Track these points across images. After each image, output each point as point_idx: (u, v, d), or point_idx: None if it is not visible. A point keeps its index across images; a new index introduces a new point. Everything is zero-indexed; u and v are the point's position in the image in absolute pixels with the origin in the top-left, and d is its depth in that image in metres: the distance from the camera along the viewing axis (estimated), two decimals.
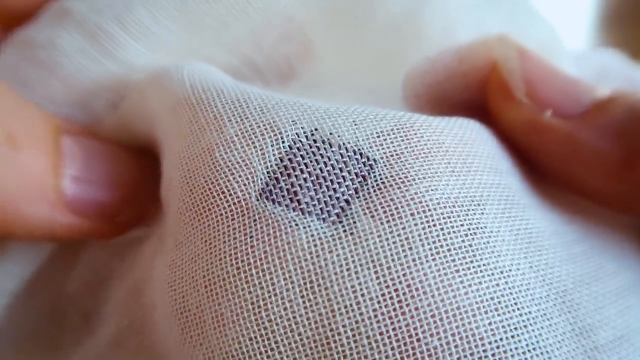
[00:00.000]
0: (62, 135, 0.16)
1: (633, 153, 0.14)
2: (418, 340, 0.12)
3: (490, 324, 0.13)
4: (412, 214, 0.14)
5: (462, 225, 0.14)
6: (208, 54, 0.18)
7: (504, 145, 0.16)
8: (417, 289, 0.13)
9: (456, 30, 0.18)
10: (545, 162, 0.16)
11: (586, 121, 0.14)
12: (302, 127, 0.14)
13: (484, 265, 0.13)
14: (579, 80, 0.15)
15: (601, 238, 0.16)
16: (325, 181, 0.14)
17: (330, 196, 0.14)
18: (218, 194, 0.14)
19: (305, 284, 0.13)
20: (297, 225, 0.13)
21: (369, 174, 0.14)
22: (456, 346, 0.12)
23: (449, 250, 0.13)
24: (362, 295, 0.13)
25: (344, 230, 0.13)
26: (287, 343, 0.13)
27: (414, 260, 0.13)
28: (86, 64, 0.17)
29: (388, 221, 0.13)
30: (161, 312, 0.15)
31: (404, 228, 0.13)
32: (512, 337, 0.13)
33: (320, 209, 0.14)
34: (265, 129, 0.14)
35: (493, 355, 0.12)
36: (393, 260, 0.13)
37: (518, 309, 0.13)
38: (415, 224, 0.13)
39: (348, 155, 0.14)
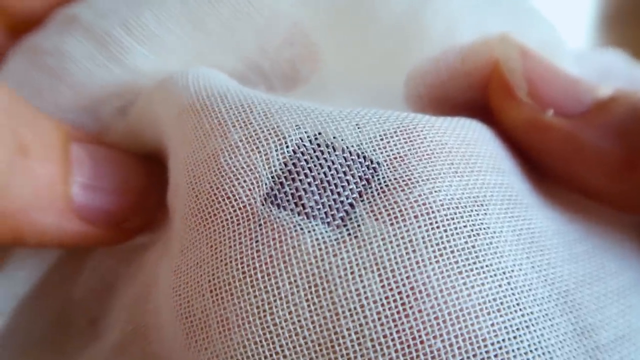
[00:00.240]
0: (71, 143, 0.17)
1: (634, 152, 0.14)
2: (421, 342, 0.13)
3: (492, 325, 0.13)
4: (415, 217, 0.14)
5: (465, 226, 0.14)
6: (213, 59, 0.18)
7: (506, 145, 0.16)
8: (420, 291, 0.13)
9: (458, 31, 0.18)
10: (546, 161, 0.16)
11: (588, 120, 0.14)
12: (305, 132, 0.15)
13: (486, 266, 0.13)
14: (580, 80, 0.15)
15: (603, 237, 0.16)
16: (330, 185, 0.14)
17: (334, 200, 0.14)
18: (223, 199, 0.14)
19: (310, 287, 0.13)
20: (301, 229, 0.14)
21: (372, 177, 0.14)
22: (459, 347, 0.13)
23: (452, 251, 0.13)
24: (366, 298, 0.13)
25: (348, 234, 0.14)
26: (292, 346, 0.13)
27: (417, 262, 0.13)
28: (93, 69, 0.18)
29: (392, 224, 0.14)
30: (166, 317, 0.15)
31: (407, 230, 0.13)
32: (514, 337, 0.13)
33: (325, 212, 0.14)
34: (269, 133, 0.15)
35: (495, 356, 0.13)
36: (397, 262, 0.13)
37: (520, 309, 0.13)
38: (419, 226, 0.14)
39: (352, 159, 0.14)
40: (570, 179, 0.15)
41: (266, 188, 0.14)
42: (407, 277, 0.13)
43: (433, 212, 0.14)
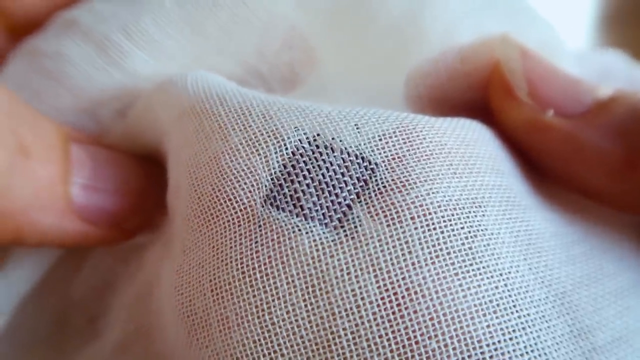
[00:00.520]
0: (71, 144, 0.17)
1: (634, 153, 0.14)
2: (417, 342, 0.13)
3: (488, 326, 0.13)
4: (412, 218, 0.14)
5: (462, 227, 0.14)
6: (212, 63, 0.18)
7: (506, 145, 0.16)
8: (415, 292, 0.13)
9: (457, 32, 0.17)
10: (546, 161, 0.16)
11: (588, 121, 0.14)
12: (304, 133, 0.15)
13: (483, 268, 0.13)
14: (580, 80, 0.15)
15: (602, 238, 0.16)
16: (328, 186, 0.14)
17: (332, 201, 0.14)
18: (225, 201, 0.15)
19: (307, 288, 0.13)
20: (299, 230, 0.14)
21: (370, 178, 0.14)
22: (454, 348, 0.13)
23: (448, 253, 0.13)
24: (362, 298, 0.13)
25: (345, 235, 0.14)
26: (289, 345, 0.13)
27: (413, 264, 0.13)
28: (93, 73, 0.18)
29: (388, 225, 0.14)
30: (168, 317, 0.15)
31: (404, 232, 0.14)
32: (511, 339, 0.13)
33: (323, 214, 0.14)
34: (269, 136, 0.15)
35: (491, 357, 0.13)
36: (393, 264, 0.13)
37: (517, 311, 0.13)
38: (415, 228, 0.14)
39: (350, 160, 0.15)
40: (570, 179, 0.15)
41: (266, 190, 0.14)
42: (403, 278, 0.13)
43: (430, 213, 0.14)
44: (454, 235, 0.14)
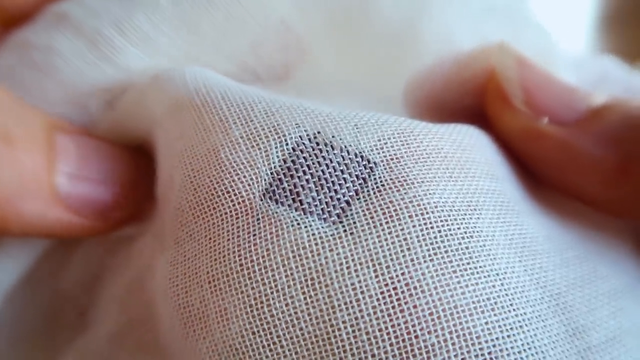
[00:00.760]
0: (56, 133, 0.17)
1: (627, 159, 0.14)
2: (416, 337, 0.13)
3: (486, 323, 0.13)
4: (410, 216, 0.14)
5: (458, 228, 0.14)
6: (207, 61, 0.18)
7: (502, 151, 0.16)
8: (415, 288, 0.13)
9: (456, 38, 0.18)
10: (541, 168, 0.16)
11: (582, 128, 0.15)
12: (305, 130, 0.15)
13: (480, 267, 0.14)
14: (575, 88, 0.16)
15: (596, 242, 0.16)
16: (327, 182, 0.14)
17: (331, 197, 0.14)
18: (223, 194, 0.14)
19: (306, 280, 0.13)
20: (298, 224, 0.14)
21: (369, 176, 0.15)
22: (453, 344, 0.13)
23: (446, 251, 0.14)
24: (362, 292, 0.13)
25: (344, 230, 0.14)
26: (288, 338, 0.13)
27: (412, 260, 0.13)
28: (83, 67, 0.18)
29: (387, 222, 0.14)
30: (162, 308, 0.15)
31: (402, 229, 0.14)
32: (508, 336, 0.13)
33: (322, 209, 0.14)
34: (270, 131, 0.15)
35: (489, 353, 0.13)
36: (392, 259, 0.13)
37: (513, 309, 0.13)
38: (414, 226, 0.14)
39: (349, 158, 0.15)
40: (565, 186, 0.16)
41: (265, 184, 0.14)
42: (402, 274, 0.13)
43: (427, 212, 0.14)
44: (451, 234, 0.14)
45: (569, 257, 0.15)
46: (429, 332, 0.13)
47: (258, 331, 0.13)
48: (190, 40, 0.18)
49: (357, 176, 0.15)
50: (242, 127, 0.15)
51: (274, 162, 0.15)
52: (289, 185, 0.14)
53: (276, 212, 0.14)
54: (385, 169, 0.15)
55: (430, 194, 0.14)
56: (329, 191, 0.14)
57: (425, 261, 0.13)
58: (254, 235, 0.14)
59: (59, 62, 0.18)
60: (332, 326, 0.13)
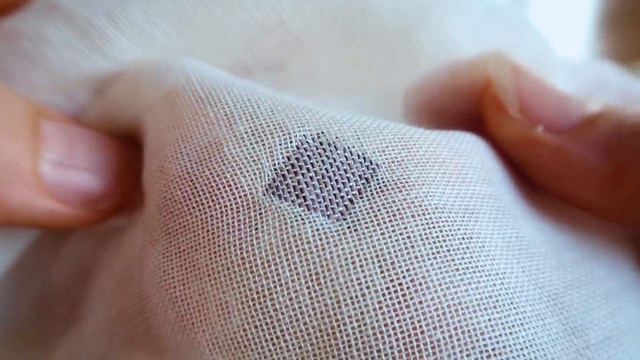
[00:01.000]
0: (42, 120, 0.16)
1: (621, 167, 0.15)
2: (422, 332, 0.13)
3: (489, 320, 0.13)
4: (412, 216, 0.14)
5: (458, 229, 0.14)
6: (201, 55, 0.18)
7: (499, 157, 0.17)
8: (420, 284, 0.13)
9: (453, 44, 0.18)
10: (537, 175, 0.16)
11: (576, 136, 0.15)
12: (309, 130, 0.15)
13: (480, 266, 0.14)
14: (570, 96, 0.16)
15: (593, 246, 0.16)
16: (331, 180, 0.14)
17: (334, 195, 0.14)
18: (224, 186, 0.14)
19: (310, 275, 0.13)
20: (302, 219, 0.14)
21: (371, 176, 0.15)
22: (458, 340, 0.13)
23: (448, 250, 0.14)
24: (367, 287, 0.13)
25: (348, 227, 0.14)
26: (292, 332, 0.13)
27: (416, 257, 0.13)
28: (73, 57, 0.17)
29: (390, 220, 0.14)
30: (156, 300, 0.14)
31: (405, 228, 0.14)
32: (510, 333, 0.13)
33: (325, 206, 0.14)
34: (275, 128, 0.15)
35: (493, 349, 0.13)
36: (396, 256, 0.13)
37: (514, 307, 0.13)
38: (416, 225, 0.14)
39: (352, 159, 0.15)
40: (561, 192, 0.16)
41: (268, 179, 0.14)
42: (407, 270, 0.13)
43: (428, 213, 0.14)
44: (452, 234, 0.14)
45: (566, 260, 0.15)
46: (434, 328, 0.13)
47: (261, 325, 0.13)
48: (186, 35, 0.18)
49: (359, 176, 0.15)
50: (248, 123, 0.15)
51: (277, 159, 0.15)
52: (292, 182, 0.14)
53: (279, 207, 0.14)
54: (387, 170, 0.15)
55: (430, 196, 0.15)
56: (333, 189, 0.14)
57: (429, 259, 0.13)
58: (256, 229, 0.14)
59: (48, 52, 0.17)
60: (337, 321, 0.13)
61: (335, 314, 0.13)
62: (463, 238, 0.14)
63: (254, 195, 0.14)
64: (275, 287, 0.13)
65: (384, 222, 0.14)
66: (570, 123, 0.15)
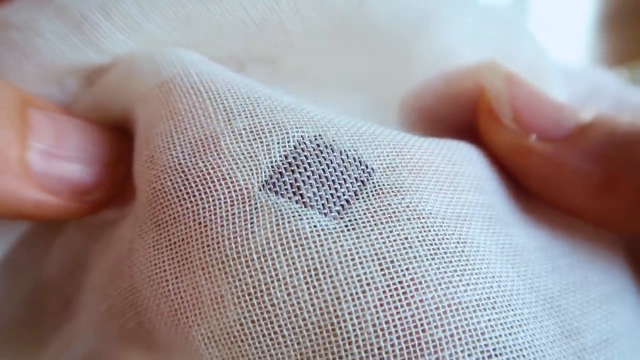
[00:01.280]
0: (30, 109, 0.16)
1: (613, 175, 0.15)
2: (423, 330, 0.12)
3: (489, 320, 0.13)
4: (408, 219, 0.14)
5: (452, 234, 0.14)
6: (195, 49, 0.18)
7: (493, 164, 0.17)
8: (420, 283, 0.13)
9: (452, 51, 0.19)
10: (531, 183, 0.16)
11: (569, 144, 0.16)
12: (307, 131, 0.15)
13: (477, 269, 0.14)
14: (563, 106, 0.16)
15: (587, 252, 0.16)
16: (327, 180, 0.14)
17: (331, 194, 0.14)
18: (218, 180, 0.14)
19: (309, 270, 0.13)
20: (299, 216, 0.14)
21: (367, 180, 0.15)
22: (459, 339, 0.12)
23: (444, 253, 0.14)
24: (368, 284, 0.13)
25: (346, 226, 0.14)
26: (290, 327, 0.12)
27: (414, 257, 0.13)
28: (65, 49, 0.17)
29: (387, 222, 0.14)
30: (148, 294, 0.13)
31: (402, 230, 0.14)
32: (510, 334, 0.13)
33: (322, 204, 0.14)
34: (273, 127, 0.15)
35: (494, 349, 0.12)
36: (395, 255, 0.13)
37: (512, 309, 0.13)
38: (412, 228, 0.14)
39: (349, 161, 0.15)
40: (554, 200, 0.16)
41: (265, 176, 0.14)
42: (407, 269, 0.13)
43: (423, 218, 0.14)
44: (447, 239, 0.14)
45: (561, 265, 0.15)
46: (435, 327, 0.12)
47: (258, 320, 0.12)
48: (182, 31, 0.17)
49: (355, 178, 0.15)
50: (246, 120, 0.15)
51: (275, 157, 0.14)
52: (289, 179, 0.14)
53: (276, 203, 0.14)
54: (382, 175, 0.15)
55: (423, 202, 0.15)
56: (329, 188, 0.14)
57: (427, 259, 0.13)
58: (251, 223, 0.13)
59: (39, 43, 0.17)
60: (337, 317, 0.12)
61: (335, 310, 0.12)
62: (458, 242, 0.14)
63: (249, 190, 0.14)
64: (272, 281, 0.13)
65: (381, 223, 0.14)
66: (564, 132, 0.16)
